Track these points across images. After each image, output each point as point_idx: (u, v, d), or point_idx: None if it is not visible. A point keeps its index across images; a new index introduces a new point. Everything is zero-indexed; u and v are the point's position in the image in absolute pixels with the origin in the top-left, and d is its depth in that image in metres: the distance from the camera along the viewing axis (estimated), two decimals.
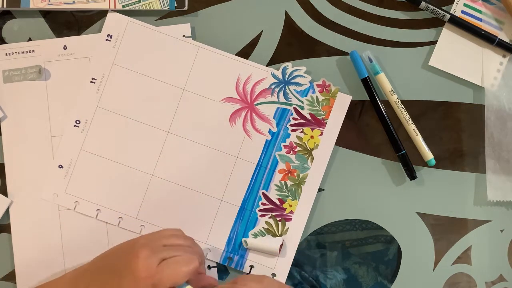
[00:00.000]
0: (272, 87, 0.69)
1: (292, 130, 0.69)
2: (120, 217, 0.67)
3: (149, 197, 0.68)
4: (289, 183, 0.68)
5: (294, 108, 0.69)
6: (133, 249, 0.57)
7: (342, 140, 0.69)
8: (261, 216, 0.68)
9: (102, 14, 0.69)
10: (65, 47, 0.68)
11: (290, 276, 0.68)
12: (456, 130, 0.70)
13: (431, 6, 0.68)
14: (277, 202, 0.68)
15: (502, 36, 0.69)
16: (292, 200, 0.68)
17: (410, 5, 0.70)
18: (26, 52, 0.68)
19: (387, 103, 0.69)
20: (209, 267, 0.68)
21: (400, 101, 0.68)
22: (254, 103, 0.69)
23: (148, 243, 0.57)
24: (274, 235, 0.68)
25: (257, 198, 0.68)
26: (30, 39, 0.69)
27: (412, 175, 0.68)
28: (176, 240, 0.60)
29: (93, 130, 0.68)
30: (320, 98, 0.69)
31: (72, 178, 0.68)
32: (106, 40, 0.68)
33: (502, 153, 0.69)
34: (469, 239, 0.70)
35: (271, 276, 0.68)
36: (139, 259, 0.55)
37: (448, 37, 0.69)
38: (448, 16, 0.68)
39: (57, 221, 0.67)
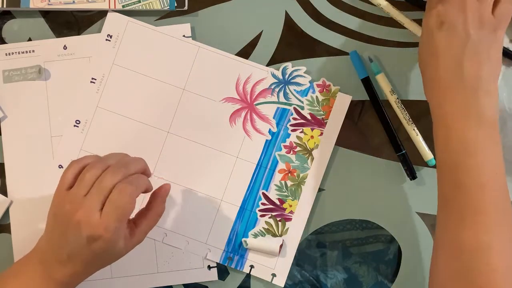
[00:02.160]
0: (272, 87, 0.69)
1: (292, 130, 0.69)
2: None
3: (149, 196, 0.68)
4: (289, 183, 0.68)
5: (294, 108, 0.69)
6: (68, 220, 0.55)
7: (342, 140, 0.69)
8: (261, 216, 0.68)
9: (102, 14, 0.69)
10: (65, 47, 0.68)
11: (290, 276, 0.68)
12: None
13: None
14: (277, 202, 0.68)
15: None
16: (292, 200, 0.68)
17: (410, 5, 0.70)
18: (26, 52, 0.68)
19: (387, 103, 0.69)
20: (209, 267, 0.68)
21: (400, 101, 0.68)
22: (254, 103, 0.69)
23: (76, 205, 0.55)
24: (274, 235, 0.68)
25: (257, 198, 0.68)
26: (30, 39, 0.69)
27: (412, 175, 0.68)
28: (91, 174, 0.56)
29: (93, 130, 0.68)
30: (320, 98, 0.69)
31: None
32: (106, 40, 0.68)
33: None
34: None
35: (271, 277, 0.68)
36: (81, 227, 0.54)
37: None
38: None
39: None
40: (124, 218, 0.55)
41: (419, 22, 0.70)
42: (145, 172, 0.60)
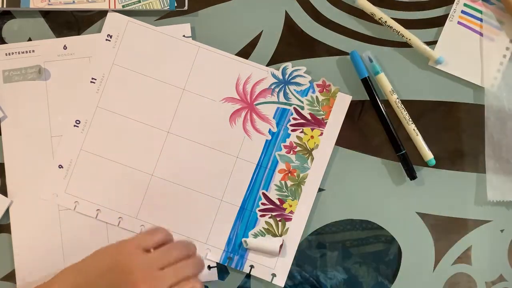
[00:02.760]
0: (272, 87, 0.69)
1: (292, 130, 0.69)
2: (120, 217, 0.67)
3: (149, 197, 0.68)
4: (289, 183, 0.68)
5: (294, 108, 0.69)
6: (128, 280, 0.53)
7: (342, 140, 0.69)
8: (261, 216, 0.68)
9: (102, 14, 0.69)
10: (65, 47, 0.68)
11: (290, 276, 0.68)
12: (456, 130, 0.70)
13: None
14: (277, 202, 0.68)
15: (502, 36, 0.69)
16: (292, 200, 0.68)
17: (410, 5, 0.70)
18: (26, 52, 0.68)
19: (387, 103, 0.69)
20: (209, 267, 0.68)
21: (400, 101, 0.68)
22: (254, 103, 0.69)
23: (146, 274, 0.54)
24: (274, 235, 0.68)
25: (257, 198, 0.68)
26: (30, 39, 0.69)
27: (412, 175, 0.68)
28: (173, 253, 0.57)
29: (93, 130, 0.68)
30: (320, 98, 0.69)
31: (72, 178, 0.68)
32: (106, 40, 0.68)
33: (502, 153, 0.69)
34: (469, 239, 0.70)
35: (271, 277, 0.68)
36: None
37: (448, 37, 0.70)
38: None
39: (57, 221, 0.67)
40: None
41: (419, 21, 0.70)
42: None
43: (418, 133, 0.68)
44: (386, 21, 0.68)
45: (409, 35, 0.68)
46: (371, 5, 0.68)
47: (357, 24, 0.70)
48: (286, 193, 0.68)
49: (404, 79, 0.69)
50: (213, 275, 0.68)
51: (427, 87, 0.70)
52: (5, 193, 0.67)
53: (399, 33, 0.68)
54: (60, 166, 0.68)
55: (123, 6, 0.68)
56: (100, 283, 0.55)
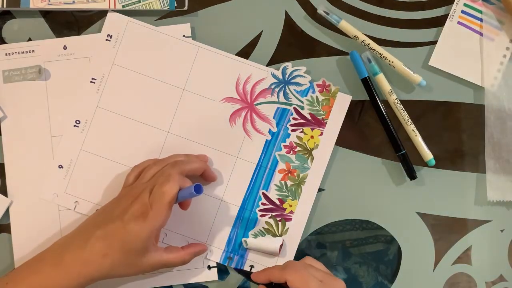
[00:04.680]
0: (272, 87, 0.69)
1: (292, 130, 0.69)
2: None
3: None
4: (289, 183, 0.68)
5: (294, 108, 0.69)
6: (119, 205, 0.60)
7: (342, 140, 0.69)
8: (261, 216, 0.68)
9: (102, 14, 0.69)
10: (65, 47, 0.68)
11: None
12: (456, 130, 0.70)
13: None
14: (277, 202, 0.68)
15: (502, 36, 0.70)
16: (292, 200, 0.68)
17: (410, 5, 0.70)
18: (26, 52, 0.68)
19: (387, 103, 0.69)
20: (209, 267, 0.68)
21: (399, 102, 0.68)
22: (254, 103, 0.69)
23: (131, 196, 0.60)
24: (274, 235, 0.68)
25: (257, 198, 0.68)
26: (30, 39, 0.69)
27: (412, 175, 0.68)
28: (149, 173, 0.63)
29: (93, 130, 0.68)
30: (320, 98, 0.69)
31: (72, 178, 0.68)
32: (106, 40, 0.68)
33: (502, 153, 0.69)
34: (469, 239, 0.70)
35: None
36: (131, 206, 0.59)
37: (448, 37, 0.70)
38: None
39: (57, 221, 0.67)
40: (168, 199, 0.59)
41: (419, 22, 0.70)
42: (205, 172, 0.66)
43: (418, 134, 0.68)
44: (368, 44, 0.68)
45: (391, 58, 0.68)
46: (353, 28, 0.68)
47: (357, 24, 0.70)
48: (286, 193, 0.68)
49: (403, 79, 0.69)
50: (213, 275, 0.68)
51: (427, 87, 0.70)
52: (5, 193, 0.67)
53: (381, 56, 0.68)
54: (60, 166, 0.68)
55: (123, 6, 0.68)
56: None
